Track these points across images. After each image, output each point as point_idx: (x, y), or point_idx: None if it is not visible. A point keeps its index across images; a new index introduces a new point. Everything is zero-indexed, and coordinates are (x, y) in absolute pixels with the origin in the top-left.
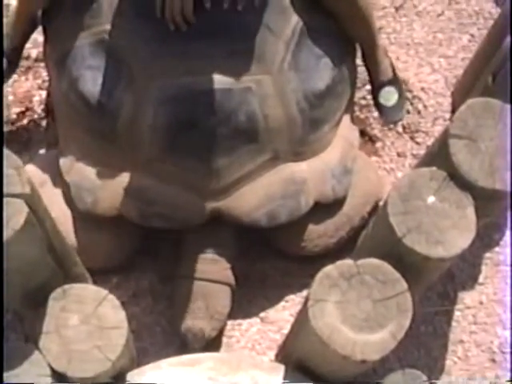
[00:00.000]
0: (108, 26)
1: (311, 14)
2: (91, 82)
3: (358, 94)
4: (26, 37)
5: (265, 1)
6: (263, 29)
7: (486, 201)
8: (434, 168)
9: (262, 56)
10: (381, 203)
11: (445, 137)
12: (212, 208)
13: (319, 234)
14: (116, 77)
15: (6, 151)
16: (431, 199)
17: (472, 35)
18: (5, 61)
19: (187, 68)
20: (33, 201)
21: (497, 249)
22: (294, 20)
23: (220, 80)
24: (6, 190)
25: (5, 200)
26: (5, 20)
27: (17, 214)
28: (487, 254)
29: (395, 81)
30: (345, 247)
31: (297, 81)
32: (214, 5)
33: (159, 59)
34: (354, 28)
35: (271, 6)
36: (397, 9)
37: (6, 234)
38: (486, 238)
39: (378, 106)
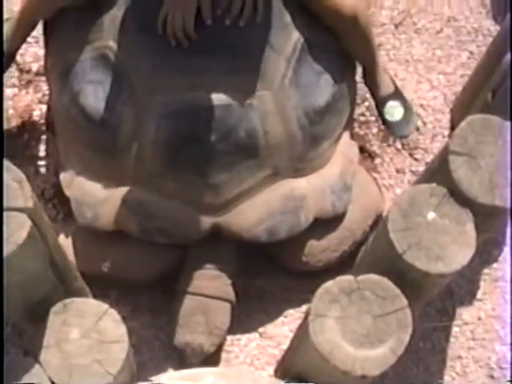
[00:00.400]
0: (110, 41)
1: (312, 31)
2: (93, 96)
3: (357, 111)
4: (22, 42)
5: (266, 17)
6: (264, 45)
7: (485, 217)
8: (434, 184)
9: (263, 72)
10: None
11: (445, 153)
12: (212, 223)
13: (322, 249)
14: (117, 91)
15: (8, 164)
16: (431, 215)
17: (471, 52)
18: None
19: (189, 83)
20: (35, 215)
21: (495, 265)
22: (295, 36)
23: (221, 96)
24: (8, 203)
25: (8, 214)
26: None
27: (19, 228)
28: (486, 270)
29: (398, 94)
30: (344, 262)
31: (297, 97)
32: (215, 21)
33: (161, 74)
34: (354, 45)
35: (273, 23)
36: (396, 26)
37: (8, 249)
38: (484, 254)
39: (384, 122)
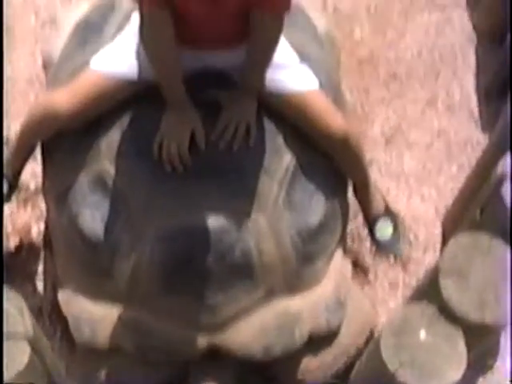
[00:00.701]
0: (107, 166)
1: (304, 151)
2: (90, 219)
3: (350, 226)
4: (25, 162)
5: (259, 140)
6: (257, 169)
7: (476, 333)
8: (425, 302)
9: (256, 195)
10: (376, 331)
11: (435, 272)
12: (208, 343)
13: (317, 366)
14: (114, 214)
15: (8, 291)
16: (422, 334)
17: (461, 165)
18: (6, 185)
19: (184, 207)
20: (35, 340)
21: (490, 373)
22: (288, 158)
23: (216, 219)
24: (8, 329)
25: (8, 341)
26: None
27: (20, 355)
28: (480, 379)
29: (388, 213)
30: (339, 377)
31: (290, 218)
32: (209, 146)
33: (157, 198)
34: (345, 165)
35: (265, 146)
36: (387, 141)
37: (9, 374)
38: (478, 364)
39: (374, 240)
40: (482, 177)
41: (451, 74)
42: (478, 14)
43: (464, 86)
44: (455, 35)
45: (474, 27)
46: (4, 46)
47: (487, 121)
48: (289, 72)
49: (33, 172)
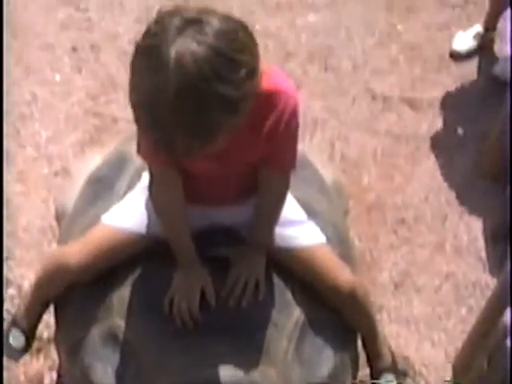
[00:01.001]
0: (118, 321)
1: (312, 306)
2: (102, 371)
3: (361, 372)
4: (41, 315)
5: (268, 295)
6: (267, 323)
7: None
8: None
9: (266, 349)
10: None
11: None
12: None
13: None
14: (125, 369)
15: None
16: None
17: (470, 307)
18: (24, 337)
19: (194, 363)
20: None
21: None
22: (296, 313)
23: (227, 373)
24: None
25: None
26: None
27: None
28: None
29: (393, 368)
30: None
31: (300, 371)
32: (219, 302)
33: (166, 354)
34: (354, 319)
35: (275, 301)
36: (396, 286)
37: None
38: None
39: None
40: (491, 321)
41: (458, 217)
42: (482, 154)
43: (471, 228)
44: (461, 178)
45: (479, 166)
46: (19, 195)
47: (494, 263)
48: (296, 229)
49: (45, 322)
